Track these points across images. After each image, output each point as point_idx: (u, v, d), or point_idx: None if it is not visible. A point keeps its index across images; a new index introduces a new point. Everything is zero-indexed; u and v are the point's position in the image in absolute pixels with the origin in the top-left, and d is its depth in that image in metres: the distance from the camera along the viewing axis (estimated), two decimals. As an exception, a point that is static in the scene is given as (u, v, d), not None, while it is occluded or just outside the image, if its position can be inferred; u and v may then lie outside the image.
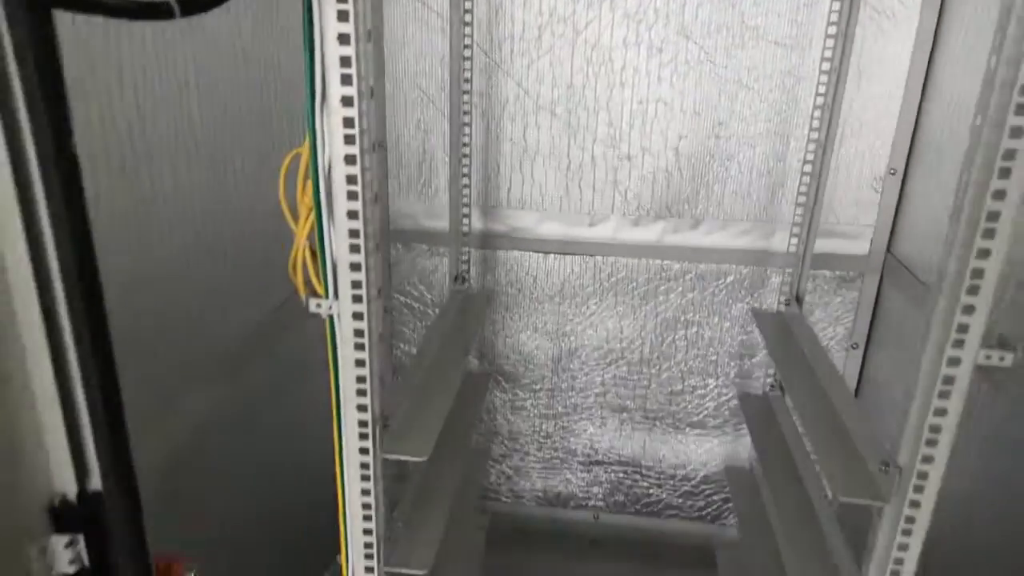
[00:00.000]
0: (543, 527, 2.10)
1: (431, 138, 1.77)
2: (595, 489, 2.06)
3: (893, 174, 1.66)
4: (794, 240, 1.59)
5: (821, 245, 1.70)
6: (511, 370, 1.95)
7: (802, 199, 1.55)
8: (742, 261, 1.78)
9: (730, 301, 1.82)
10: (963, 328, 0.80)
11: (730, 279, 1.81)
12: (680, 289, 1.83)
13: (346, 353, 0.90)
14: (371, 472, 0.96)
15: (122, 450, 0.72)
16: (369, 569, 1.01)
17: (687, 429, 1.95)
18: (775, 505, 1.34)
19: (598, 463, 2.03)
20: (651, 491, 2.04)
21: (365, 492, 0.97)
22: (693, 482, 2.00)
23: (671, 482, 2.02)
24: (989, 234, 0.77)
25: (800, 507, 1.32)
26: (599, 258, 1.83)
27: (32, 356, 0.66)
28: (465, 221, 1.73)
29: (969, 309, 0.80)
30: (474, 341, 1.84)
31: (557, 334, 1.91)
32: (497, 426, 2.02)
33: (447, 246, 1.78)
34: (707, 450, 1.96)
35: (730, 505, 1.99)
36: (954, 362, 0.82)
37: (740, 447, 1.93)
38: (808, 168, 1.53)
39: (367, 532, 0.99)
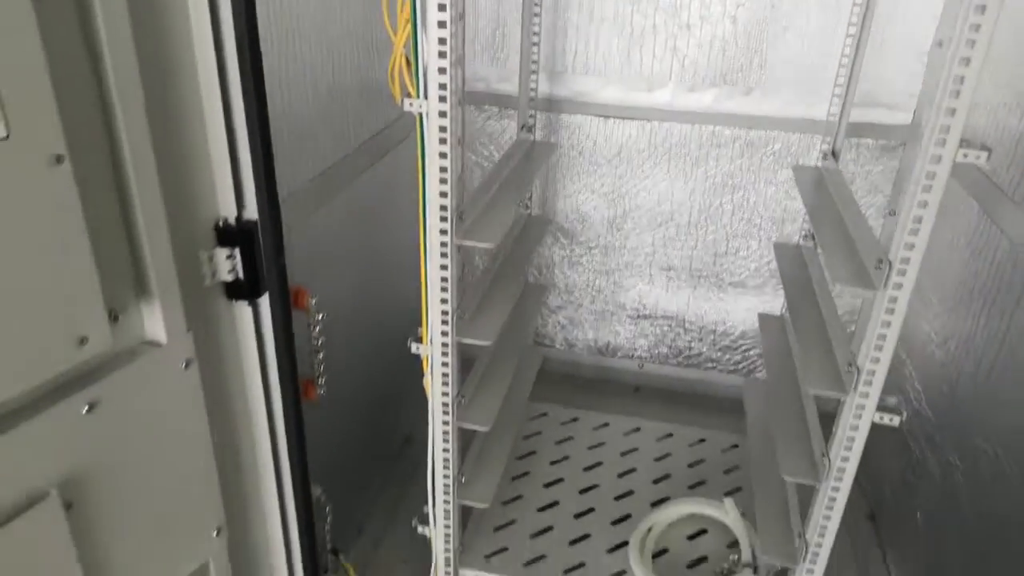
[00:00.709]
0: (592, 374, 2.34)
1: (504, 5, 1.93)
2: (641, 341, 2.28)
3: (940, 46, 1.75)
4: (836, 100, 1.71)
5: (864, 114, 1.81)
6: (569, 228, 2.15)
7: (845, 60, 1.66)
8: (789, 128, 1.91)
9: (776, 167, 1.96)
10: (944, 129, 0.96)
11: (777, 146, 1.94)
12: (729, 155, 1.98)
13: (431, 148, 1.11)
14: (448, 252, 1.18)
15: (272, 192, 0.96)
16: (444, 333, 1.25)
17: (728, 288, 2.13)
18: (798, 344, 1.50)
19: (645, 317, 2.24)
20: (692, 344, 2.24)
21: (443, 267, 1.19)
22: (731, 337, 2.20)
23: (711, 337, 2.21)
24: (964, 62, 0.91)
25: (820, 344, 1.48)
26: (655, 123, 1.98)
27: (209, 106, 0.89)
28: (533, 84, 1.90)
29: (951, 112, 0.95)
30: (535, 177, 2.01)
31: (613, 196, 2.09)
32: (555, 279, 2.23)
33: (515, 108, 1.96)
34: (746, 308, 2.14)
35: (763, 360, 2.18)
36: (936, 159, 0.98)
37: (777, 306, 2.10)
38: (852, 31, 1.63)
39: (443, 302, 1.22)
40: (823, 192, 1.57)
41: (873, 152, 1.89)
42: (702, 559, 1.62)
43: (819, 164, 1.72)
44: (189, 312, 0.90)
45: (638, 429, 2.01)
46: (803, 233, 1.79)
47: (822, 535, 1.29)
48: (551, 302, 2.28)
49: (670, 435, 2.00)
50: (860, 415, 1.15)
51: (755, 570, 1.52)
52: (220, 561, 1.09)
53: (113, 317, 0.83)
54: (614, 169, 2.06)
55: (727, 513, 1.64)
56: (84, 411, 0.81)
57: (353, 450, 1.72)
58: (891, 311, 1.08)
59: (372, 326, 1.76)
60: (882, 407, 1.15)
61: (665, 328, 2.24)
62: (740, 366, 2.23)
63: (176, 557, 1.00)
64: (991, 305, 1.37)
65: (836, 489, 1.24)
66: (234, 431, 1.08)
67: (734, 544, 1.63)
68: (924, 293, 1.68)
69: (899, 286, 1.06)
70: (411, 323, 1.29)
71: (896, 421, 1.15)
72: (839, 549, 1.50)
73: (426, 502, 1.46)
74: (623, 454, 1.93)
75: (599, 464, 1.89)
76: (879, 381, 1.13)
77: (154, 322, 0.88)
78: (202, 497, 1.02)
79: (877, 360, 1.11)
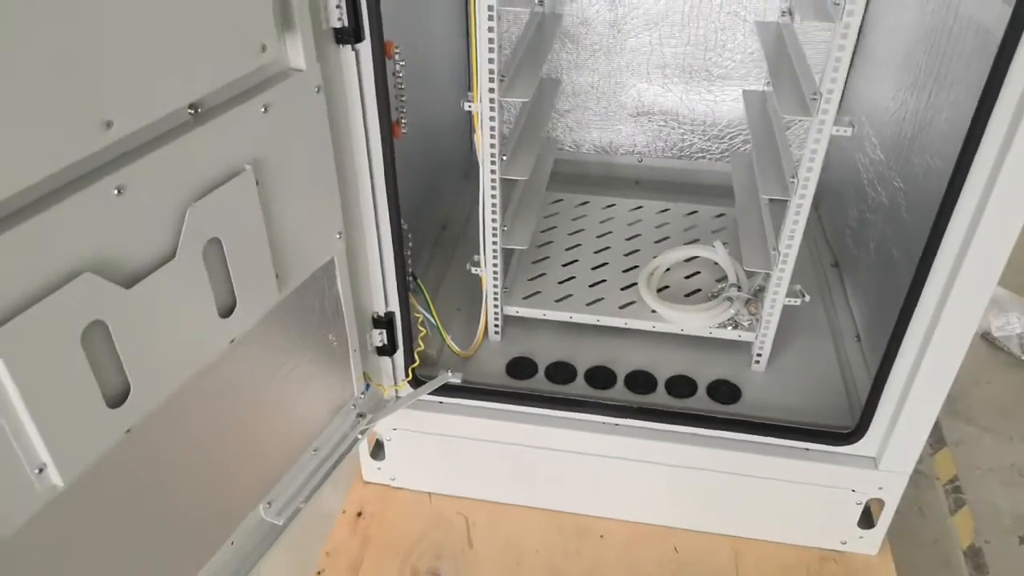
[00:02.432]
0: (598, 171, 2.66)
1: None
2: (640, 137, 2.59)
3: None
4: None
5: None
6: (574, 32, 2.41)
7: None
8: (770, -74, 2.14)
9: (758, -36, 2.21)
10: None
11: (759, -56, 2.18)
12: (717, -46, 2.21)
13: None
14: (493, 17, 1.47)
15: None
16: (491, 90, 1.55)
17: (717, 81, 2.42)
18: (773, 89, 1.79)
19: (643, 114, 2.54)
20: (685, 137, 2.56)
21: (490, 30, 1.48)
22: (719, 127, 2.51)
23: (701, 128, 2.53)
24: None
25: (792, 86, 1.76)
26: (650, -73, 2.21)
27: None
28: None
29: None
30: None
31: (612, 0, 2.34)
32: (563, 84, 2.51)
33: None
34: (732, 99, 2.44)
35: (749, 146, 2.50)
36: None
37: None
38: None
39: (490, 61, 1.52)
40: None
41: None
42: (697, 290, 2.00)
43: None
44: (318, 45, 1.20)
45: (640, 207, 2.36)
46: (781, 10, 2.07)
47: (791, 241, 1.66)
48: (560, 106, 2.57)
49: (667, 210, 2.34)
50: (821, 130, 1.49)
51: (739, 289, 1.90)
52: (341, 259, 1.44)
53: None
54: (614, -26, 2.30)
55: (717, 251, 2.02)
56: (262, 111, 1.13)
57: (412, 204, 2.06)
58: (842, 47, 1.39)
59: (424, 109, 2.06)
60: (838, 123, 1.48)
61: (661, 123, 2.54)
62: (726, 155, 2.55)
63: (317, 249, 1.35)
64: (931, 54, 1.67)
65: (802, 198, 1.59)
66: (344, 159, 1.40)
67: (723, 279, 2.01)
68: (879, 62, 1.98)
69: (847, 24, 1.36)
70: (453, 127, 1.58)
71: (849, 132, 1.49)
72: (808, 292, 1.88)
73: (472, 236, 1.81)
74: (628, 225, 2.28)
75: (609, 233, 2.25)
76: (835, 101, 1.46)
77: (296, 52, 1.18)
78: (328, 203, 1.37)
79: (833, 83, 1.44)
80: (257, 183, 1.14)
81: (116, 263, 0.95)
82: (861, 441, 1.62)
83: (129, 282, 0.97)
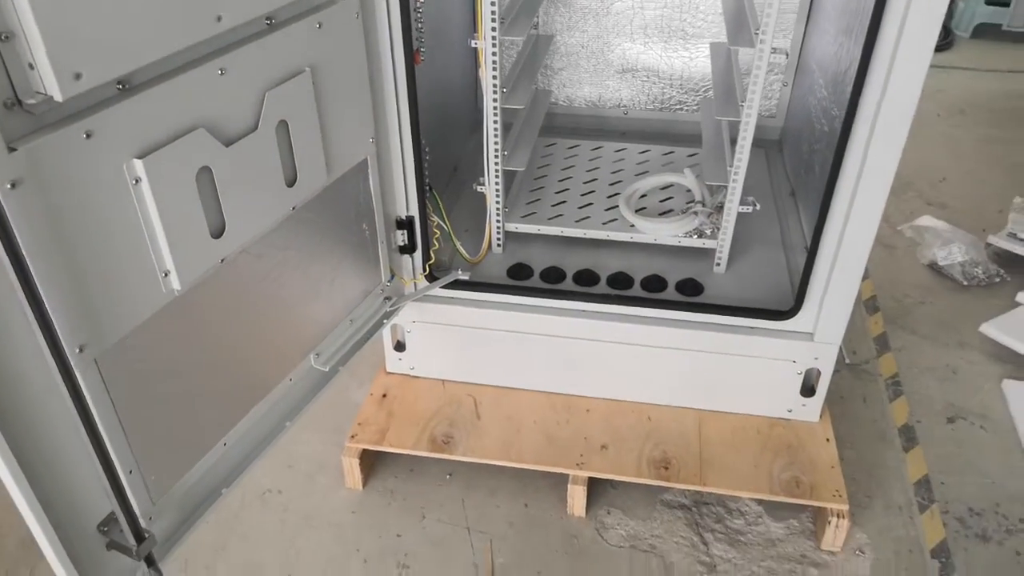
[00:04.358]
0: (588, 123, 3.01)
1: None
2: (625, 92, 2.94)
3: None
4: None
5: None
6: (567, -3, 2.77)
7: None
8: (733, -99, 2.48)
9: (724, -65, 2.55)
10: None
11: (724, -83, 2.52)
12: (688, -73, 2.56)
13: None
14: (494, -31, 1.82)
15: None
16: (493, 31, 1.90)
17: (691, 39, 2.77)
18: (734, 58, 2.13)
19: (628, 70, 2.88)
20: (664, 91, 2.90)
21: (492, -21, 1.83)
22: (694, 81, 2.85)
23: (679, 82, 2.87)
24: None
25: (744, 33, 2.12)
26: (630, -96, 2.55)
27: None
28: None
29: None
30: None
31: (600, -32, 2.69)
32: (556, 44, 2.86)
33: None
34: (705, 55, 2.79)
35: (720, 98, 2.84)
36: None
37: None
38: None
39: (492, 3, 1.87)
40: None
41: (796, -84, 2.48)
42: (669, 210, 2.35)
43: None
44: (358, -20, 1.56)
45: (624, 148, 2.71)
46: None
47: (741, 155, 2.00)
48: (555, 64, 2.92)
49: (648, 151, 2.69)
50: (761, 57, 1.84)
51: (703, 204, 2.25)
52: (373, 161, 1.80)
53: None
54: (600, -54, 2.65)
55: (686, 176, 2.36)
56: (317, 27, 1.48)
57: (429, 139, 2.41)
58: (775, -18, 1.74)
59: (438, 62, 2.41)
60: (773, 50, 1.83)
61: (643, 79, 2.89)
62: (699, 106, 2.90)
63: (355, 147, 1.71)
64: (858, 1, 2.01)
65: (748, 116, 1.94)
66: (376, 75, 1.75)
67: (692, 201, 2.36)
68: (827, 15, 2.32)
69: (779, -38, 1.71)
70: (463, 88, 1.93)
71: (783, 59, 1.84)
72: (766, 221, 2.23)
73: (479, 173, 2.17)
74: (613, 163, 2.63)
75: (596, 168, 2.60)
76: (770, 32, 1.80)
77: (341, -16, 1.53)
78: (364, 110, 1.72)
79: (768, 17, 1.78)
80: (313, 84, 1.50)
81: (219, 126, 1.30)
82: (798, 317, 1.96)
83: (227, 142, 1.32)
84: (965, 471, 2.19)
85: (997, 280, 2.90)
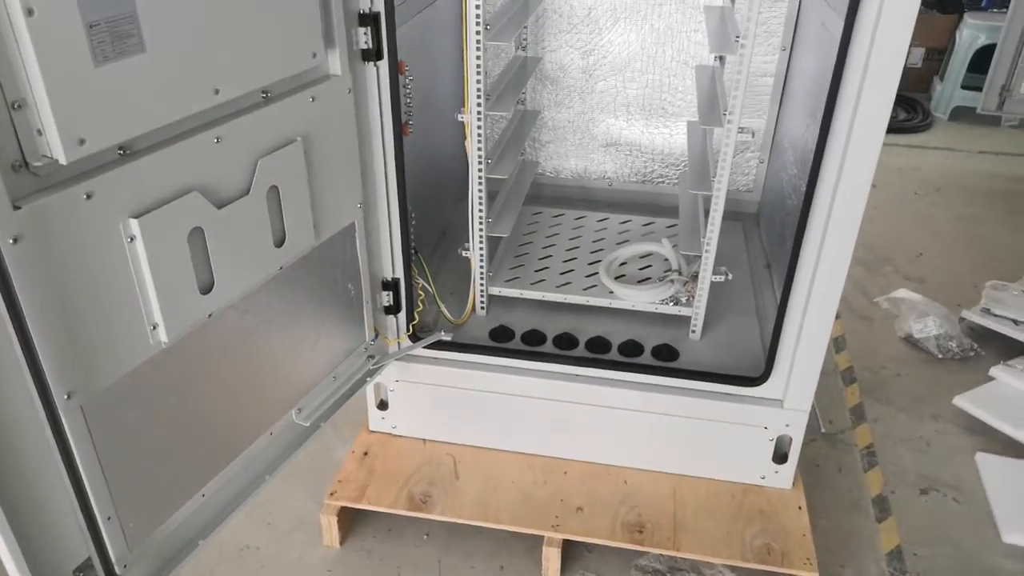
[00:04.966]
0: (574, 194, 3.13)
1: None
2: (609, 165, 3.07)
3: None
4: (737, -33, 2.45)
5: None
6: (554, 75, 2.91)
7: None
8: (710, -8, 2.66)
9: (701, 18, 2.71)
10: (761, -49, 1.73)
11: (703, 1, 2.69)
12: (669, 11, 2.72)
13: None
14: (480, 49, 1.94)
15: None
16: (479, 106, 2.02)
17: (671, 117, 2.91)
18: (708, 137, 2.26)
19: (612, 145, 3.02)
20: (646, 164, 3.03)
21: (478, 59, 1.96)
22: (675, 156, 2.98)
23: (660, 156, 3.00)
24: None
25: (714, 111, 2.24)
26: (614, -9, 2.73)
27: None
28: (525, -36, 2.62)
29: (763, -59, 1.71)
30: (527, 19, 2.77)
31: (584, 50, 2.85)
32: (544, 119, 3.00)
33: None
34: (682, 131, 2.92)
35: (700, 173, 2.96)
36: None
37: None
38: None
39: (478, 82, 1.99)
40: (723, 23, 2.34)
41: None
42: (647, 278, 2.43)
43: (722, 4, 2.48)
44: (350, 60, 1.67)
45: (607, 218, 2.82)
46: (714, 57, 2.56)
47: (713, 227, 2.10)
48: (543, 138, 3.05)
49: (629, 221, 2.80)
50: (729, 136, 1.95)
51: (680, 272, 2.34)
52: (360, 225, 1.89)
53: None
54: (585, 27, 2.81)
55: (664, 246, 2.46)
56: (310, 100, 1.59)
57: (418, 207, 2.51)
58: (739, 71, 1.86)
59: (427, 134, 2.53)
60: (740, 130, 1.95)
61: (627, 153, 3.02)
62: (679, 179, 3.02)
63: (342, 212, 1.80)
64: (820, 87, 2.14)
65: (719, 190, 2.04)
66: (365, 146, 1.85)
67: (669, 271, 2.44)
68: (796, 100, 2.46)
69: (742, 55, 1.84)
70: (452, 156, 2.05)
71: (749, 137, 1.95)
72: (743, 292, 2.32)
73: (466, 239, 2.26)
74: (596, 231, 2.73)
75: (579, 236, 2.70)
76: (738, 113, 1.92)
77: (335, 63, 1.65)
78: (353, 178, 1.82)
79: (734, 100, 1.90)
80: (304, 152, 1.60)
81: (212, 190, 1.39)
82: (767, 383, 2.02)
83: (220, 204, 1.41)
84: (938, 543, 2.21)
85: (971, 354, 2.97)
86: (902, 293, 3.24)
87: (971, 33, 5.32)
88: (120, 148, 1.22)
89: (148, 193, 1.27)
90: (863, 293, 3.35)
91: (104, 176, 1.19)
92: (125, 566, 1.41)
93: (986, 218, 4.09)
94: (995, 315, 3.03)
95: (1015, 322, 2.98)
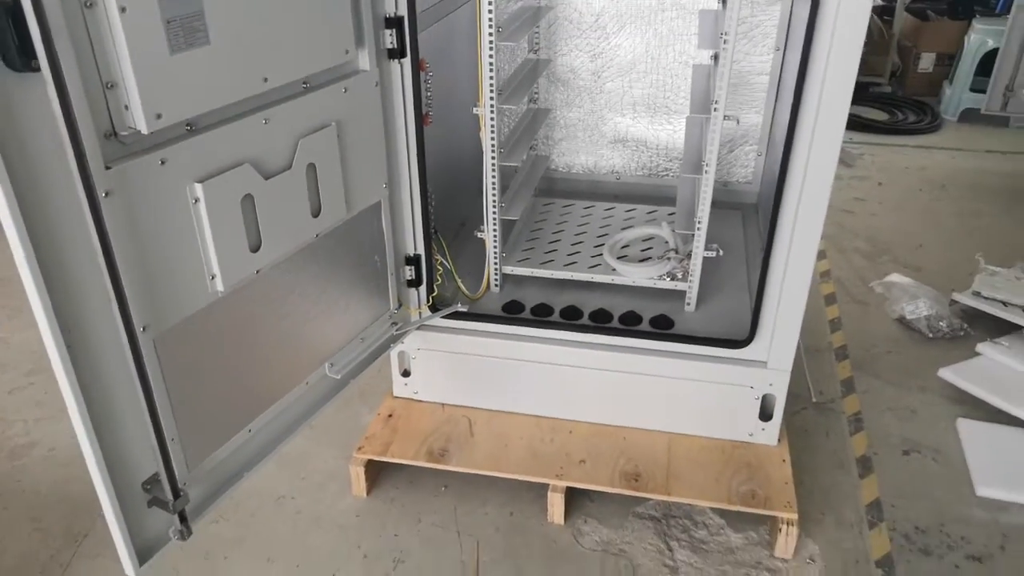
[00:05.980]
0: (583, 187, 3.36)
1: (516, -77, 2.91)
2: (617, 160, 3.30)
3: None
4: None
5: (753, -18, 2.79)
6: (564, 77, 3.16)
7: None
8: (706, -3, 2.89)
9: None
10: (736, -43, 1.96)
11: (701, 5, 2.92)
12: (671, 16, 2.96)
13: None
14: (492, 47, 2.19)
15: (412, 3, 1.97)
16: (492, 99, 2.27)
17: (673, 114, 3.13)
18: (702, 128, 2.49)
19: (620, 141, 3.25)
20: (652, 159, 3.26)
21: (490, 57, 2.21)
22: (678, 150, 3.21)
23: (664, 151, 3.23)
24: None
25: (705, 106, 2.47)
26: (619, -1, 2.97)
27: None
28: (536, -26, 2.88)
29: (738, -52, 1.95)
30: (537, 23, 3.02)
31: (593, 53, 3.09)
32: (555, 118, 3.25)
33: (526, -7, 2.94)
34: (684, 127, 3.14)
35: (701, 166, 3.18)
36: None
37: (707, 125, 3.09)
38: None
39: (491, 78, 2.24)
40: (714, 23, 2.56)
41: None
42: (648, 258, 2.65)
43: (716, 7, 2.71)
44: (378, 57, 1.94)
45: (613, 207, 3.05)
46: (710, 56, 2.79)
47: (704, 206, 2.32)
48: (555, 135, 3.30)
49: (634, 209, 3.03)
50: (715, 123, 2.17)
51: (676, 251, 2.55)
52: (386, 203, 2.14)
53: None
54: (594, 32, 3.06)
55: (663, 227, 2.68)
56: (343, 91, 1.85)
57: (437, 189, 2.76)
58: (723, 64, 2.09)
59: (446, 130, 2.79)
60: (726, 118, 2.17)
61: (633, 148, 3.25)
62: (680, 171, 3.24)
63: (370, 190, 2.05)
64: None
65: (707, 173, 2.26)
66: (390, 134, 2.11)
67: (667, 251, 2.66)
68: (788, 93, 2.67)
69: (725, 51, 2.07)
70: (470, 150, 2.31)
71: (735, 123, 2.17)
72: (737, 271, 2.53)
73: (482, 222, 2.50)
74: (603, 219, 2.96)
75: (587, 223, 2.93)
76: (723, 102, 2.15)
77: (364, 59, 1.91)
78: (379, 160, 2.07)
79: (720, 91, 2.13)
80: (337, 136, 1.85)
81: (261, 163, 1.65)
82: (752, 346, 2.23)
83: (267, 176, 1.67)
84: (915, 496, 2.39)
85: (961, 334, 3.13)
86: (895, 277, 3.41)
87: (979, 37, 5.48)
88: (187, 124, 1.49)
89: (209, 162, 1.53)
90: (861, 280, 3.52)
91: (175, 146, 1.46)
92: (185, 483, 1.67)
93: (988, 212, 4.24)
94: (985, 297, 3.19)
95: (1004, 304, 3.14)
